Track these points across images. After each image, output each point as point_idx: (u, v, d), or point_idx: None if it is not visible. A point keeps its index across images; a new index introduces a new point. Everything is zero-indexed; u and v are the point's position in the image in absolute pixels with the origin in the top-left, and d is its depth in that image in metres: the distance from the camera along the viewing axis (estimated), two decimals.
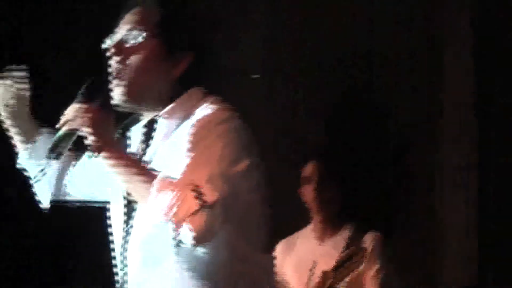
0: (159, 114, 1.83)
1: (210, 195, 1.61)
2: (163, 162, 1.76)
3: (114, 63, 1.81)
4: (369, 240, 3.16)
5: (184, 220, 1.60)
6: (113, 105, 1.82)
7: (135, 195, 1.73)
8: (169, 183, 1.63)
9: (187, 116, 1.80)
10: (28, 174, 2.10)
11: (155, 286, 1.77)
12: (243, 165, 1.72)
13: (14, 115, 2.03)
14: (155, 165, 1.76)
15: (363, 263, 3.08)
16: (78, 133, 1.71)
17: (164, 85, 1.83)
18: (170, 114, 1.82)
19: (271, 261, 1.92)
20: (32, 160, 2.07)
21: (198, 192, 1.61)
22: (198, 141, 1.70)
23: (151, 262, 1.77)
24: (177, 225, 1.61)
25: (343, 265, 3.05)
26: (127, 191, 1.77)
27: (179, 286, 1.74)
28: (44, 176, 2.07)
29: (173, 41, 1.82)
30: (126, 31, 1.82)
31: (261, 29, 4.33)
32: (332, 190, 3.26)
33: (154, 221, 1.68)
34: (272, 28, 4.37)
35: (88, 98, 1.74)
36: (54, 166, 2.05)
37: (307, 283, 3.11)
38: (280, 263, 3.24)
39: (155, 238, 1.75)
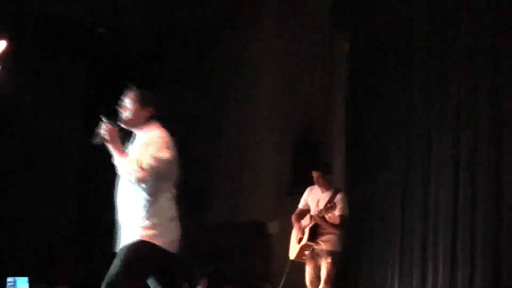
0: (137, 132, 4.66)
1: (144, 164, 4.30)
2: (133, 151, 4.52)
3: (121, 113, 4.65)
4: (339, 195, 7.48)
5: (131, 173, 4.34)
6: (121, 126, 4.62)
7: (117, 163, 4.44)
8: (130, 158, 4.36)
9: (145, 132, 4.56)
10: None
11: (125, 206, 4.53)
12: (164, 152, 4.40)
13: (116, 145, 4.53)
14: (132, 151, 4.53)
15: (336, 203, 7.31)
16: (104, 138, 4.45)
17: (140, 121, 4.65)
18: (140, 132, 4.63)
19: (172, 193, 4.61)
20: None
21: (139, 162, 4.31)
22: (144, 142, 4.46)
23: (124, 193, 4.53)
24: (129, 175, 4.36)
25: (327, 205, 7.30)
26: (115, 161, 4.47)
27: (134, 203, 4.44)
28: None
29: (142, 105, 4.65)
30: (125, 101, 4.67)
31: None
32: (325, 180, 7.62)
33: (123, 174, 4.42)
34: None
35: (109, 123, 4.28)
36: None
37: (314, 209, 7.46)
38: (306, 197, 7.71)
39: (125, 182, 4.48)
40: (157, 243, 4.39)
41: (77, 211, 12.78)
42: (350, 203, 9.19)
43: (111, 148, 4.42)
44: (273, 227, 10.96)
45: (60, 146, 12.24)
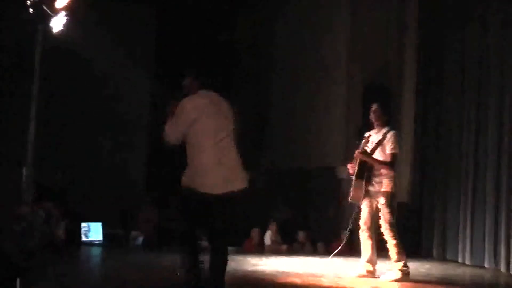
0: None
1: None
2: None
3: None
4: (390, 134, 7.37)
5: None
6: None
7: None
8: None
9: None
10: None
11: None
12: (179, 115, 5.22)
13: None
14: None
15: (386, 142, 7.33)
16: None
17: (194, 89, 5.37)
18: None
19: (216, 140, 5.19)
20: None
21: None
22: None
23: None
24: None
25: (378, 142, 7.33)
26: None
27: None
28: None
29: (188, 76, 5.41)
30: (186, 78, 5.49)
31: None
32: (380, 116, 7.48)
33: None
34: None
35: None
36: None
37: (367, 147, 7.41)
38: (364, 143, 7.40)
39: None
40: (193, 187, 5.05)
41: (147, 161, 13.01)
42: (421, 151, 9.15)
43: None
44: (343, 172, 10.97)
45: (128, 96, 12.43)
